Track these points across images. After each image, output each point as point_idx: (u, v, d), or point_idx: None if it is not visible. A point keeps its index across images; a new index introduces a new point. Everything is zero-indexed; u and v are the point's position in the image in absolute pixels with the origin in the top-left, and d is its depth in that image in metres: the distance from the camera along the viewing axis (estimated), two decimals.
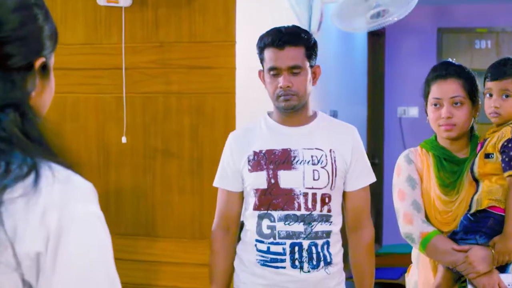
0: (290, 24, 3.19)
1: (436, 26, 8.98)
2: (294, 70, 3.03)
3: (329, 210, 3.07)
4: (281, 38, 3.04)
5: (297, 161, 3.05)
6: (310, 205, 3.03)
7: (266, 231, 3.06)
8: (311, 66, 3.10)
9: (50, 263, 1.23)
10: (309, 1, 5.30)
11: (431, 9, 8.84)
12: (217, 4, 4.00)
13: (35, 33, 1.35)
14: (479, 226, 2.95)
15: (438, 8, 8.92)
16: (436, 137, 3.22)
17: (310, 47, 3.09)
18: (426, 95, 3.18)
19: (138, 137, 4.16)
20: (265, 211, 3.06)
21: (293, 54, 3.04)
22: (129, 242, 4.14)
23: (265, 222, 3.06)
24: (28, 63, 1.34)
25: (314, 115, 3.20)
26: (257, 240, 3.09)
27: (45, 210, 1.24)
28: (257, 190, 3.08)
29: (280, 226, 3.03)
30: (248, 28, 4.11)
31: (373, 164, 3.51)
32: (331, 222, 3.09)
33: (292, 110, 3.08)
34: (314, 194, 3.04)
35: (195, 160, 4.06)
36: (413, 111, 8.66)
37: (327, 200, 3.06)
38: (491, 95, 3.05)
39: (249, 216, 3.13)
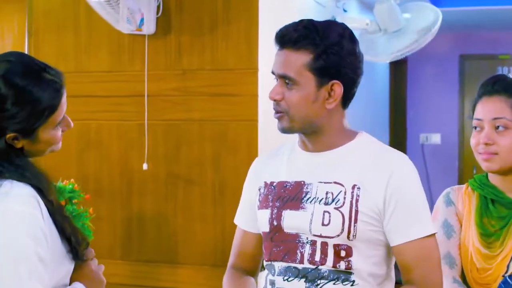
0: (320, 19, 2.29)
1: (458, 53, 8.99)
2: (286, 80, 2.22)
3: (348, 268, 2.20)
4: (281, 34, 2.25)
5: (308, 199, 2.23)
6: (317, 258, 2.21)
7: (268, 287, 2.31)
8: (321, 82, 2.20)
9: None
10: None
11: (453, 36, 8.83)
12: (239, 32, 4.02)
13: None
14: None
15: (460, 35, 8.92)
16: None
17: (322, 55, 2.18)
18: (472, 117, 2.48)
19: (160, 164, 4.17)
20: (268, 262, 2.32)
21: (287, 59, 2.23)
22: (151, 269, 4.14)
23: (269, 276, 2.31)
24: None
25: (351, 136, 2.29)
26: None
27: None
28: (263, 233, 2.34)
29: (279, 282, 2.27)
30: (271, 56, 4.10)
31: None
32: (353, 282, 2.21)
33: (287, 133, 2.28)
34: (324, 244, 2.21)
35: (217, 187, 4.07)
36: (435, 138, 8.60)
37: (343, 253, 2.20)
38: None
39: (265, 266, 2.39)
